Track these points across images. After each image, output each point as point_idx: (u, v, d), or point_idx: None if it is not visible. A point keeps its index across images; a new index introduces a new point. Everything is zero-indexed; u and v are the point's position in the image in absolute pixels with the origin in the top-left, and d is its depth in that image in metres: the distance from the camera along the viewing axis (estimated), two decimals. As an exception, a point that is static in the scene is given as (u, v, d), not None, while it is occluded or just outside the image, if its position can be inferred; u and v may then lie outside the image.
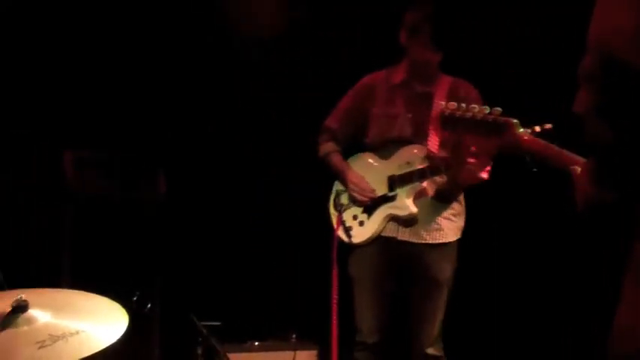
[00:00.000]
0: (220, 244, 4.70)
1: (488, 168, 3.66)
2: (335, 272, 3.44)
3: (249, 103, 4.83)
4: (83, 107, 4.44)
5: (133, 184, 4.33)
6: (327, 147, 4.01)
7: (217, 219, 4.72)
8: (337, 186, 3.96)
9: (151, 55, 4.67)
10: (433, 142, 3.78)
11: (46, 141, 4.24)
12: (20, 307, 2.19)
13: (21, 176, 4.20)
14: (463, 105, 2.41)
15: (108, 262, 4.19)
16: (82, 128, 4.37)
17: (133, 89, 4.61)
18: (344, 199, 3.89)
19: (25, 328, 2.17)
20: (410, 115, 3.84)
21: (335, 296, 3.43)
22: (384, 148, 3.87)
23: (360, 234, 3.82)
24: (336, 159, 3.97)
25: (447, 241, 3.83)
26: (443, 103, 2.48)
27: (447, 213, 3.83)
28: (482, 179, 3.64)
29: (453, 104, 2.45)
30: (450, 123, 2.42)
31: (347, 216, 3.85)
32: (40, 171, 4.21)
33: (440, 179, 3.78)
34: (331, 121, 4.03)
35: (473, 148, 3.43)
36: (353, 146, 4.02)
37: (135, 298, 3.72)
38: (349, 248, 3.84)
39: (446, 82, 3.87)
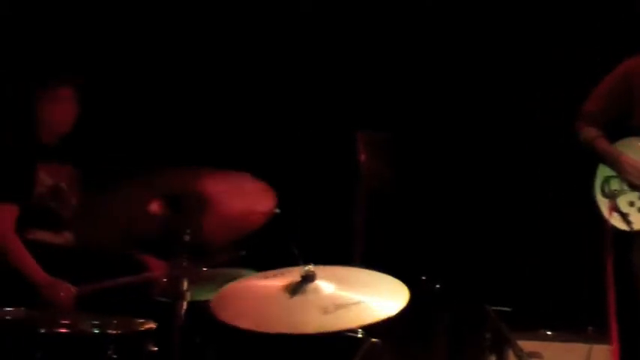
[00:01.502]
0: (513, 230, 4.67)
1: None
2: (610, 260, 3.44)
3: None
4: (373, 91, 4.66)
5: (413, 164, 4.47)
6: (590, 132, 3.94)
7: (509, 204, 4.69)
8: (604, 172, 3.89)
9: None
10: None
11: (339, 123, 4.50)
12: (308, 277, 2.50)
13: (313, 158, 4.50)
14: None
15: (399, 242, 4.35)
16: (370, 110, 4.58)
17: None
18: (615, 185, 3.83)
19: (312, 296, 2.45)
20: None
21: (611, 285, 3.43)
22: None
23: None
24: (604, 144, 3.91)
25: None
26: None
27: None
28: None
29: None
30: None
31: (622, 202, 3.79)
32: (333, 152, 4.47)
33: None
34: (591, 106, 3.97)
35: None
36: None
37: (423, 278, 3.82)
38: (625, 236, 3.76)
39: None
